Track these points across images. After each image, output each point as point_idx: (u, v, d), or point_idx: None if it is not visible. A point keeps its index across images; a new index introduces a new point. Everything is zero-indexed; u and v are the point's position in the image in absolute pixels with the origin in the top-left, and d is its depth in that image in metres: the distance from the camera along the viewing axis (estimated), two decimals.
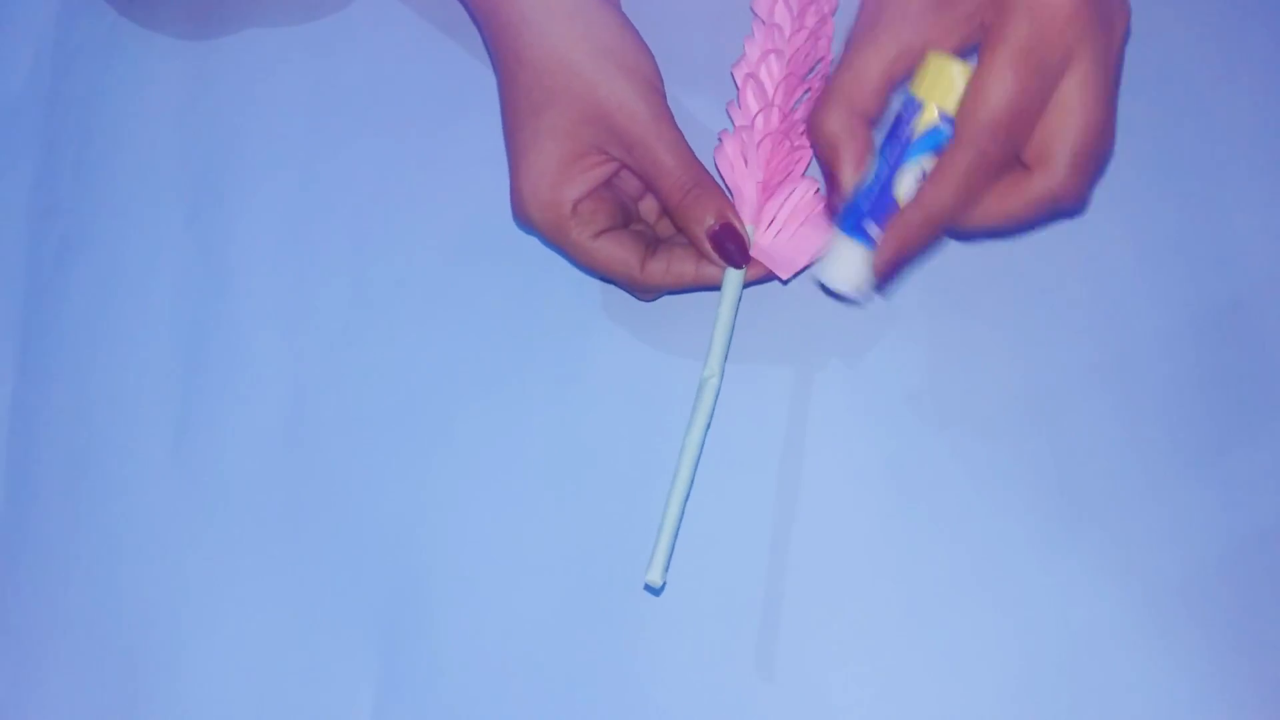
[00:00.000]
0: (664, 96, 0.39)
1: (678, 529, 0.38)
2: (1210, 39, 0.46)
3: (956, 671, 0.39)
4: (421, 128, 0.47)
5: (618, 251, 0.40)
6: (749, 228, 0.40)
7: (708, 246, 0.39)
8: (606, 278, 0.42)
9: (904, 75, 0.36)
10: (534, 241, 0.44)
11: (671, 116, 0.39)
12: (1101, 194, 0.44)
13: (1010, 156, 0.35)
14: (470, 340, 0.44)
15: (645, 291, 0.41)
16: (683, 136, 0.39)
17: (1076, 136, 0.35)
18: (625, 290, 0.42)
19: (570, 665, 0.40)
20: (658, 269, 0.40)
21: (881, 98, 0.36)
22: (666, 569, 0.37)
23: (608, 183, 0.40)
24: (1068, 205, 0.36)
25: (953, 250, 0.44)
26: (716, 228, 0.39)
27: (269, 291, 0.46)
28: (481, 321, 0.44)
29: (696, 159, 0.39)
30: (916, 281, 0.43)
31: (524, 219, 0.40)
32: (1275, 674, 0.39)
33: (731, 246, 0.39)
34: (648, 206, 0.42)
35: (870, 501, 0.41)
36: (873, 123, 0.37)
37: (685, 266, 0.40)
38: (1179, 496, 0.41)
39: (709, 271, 0.40)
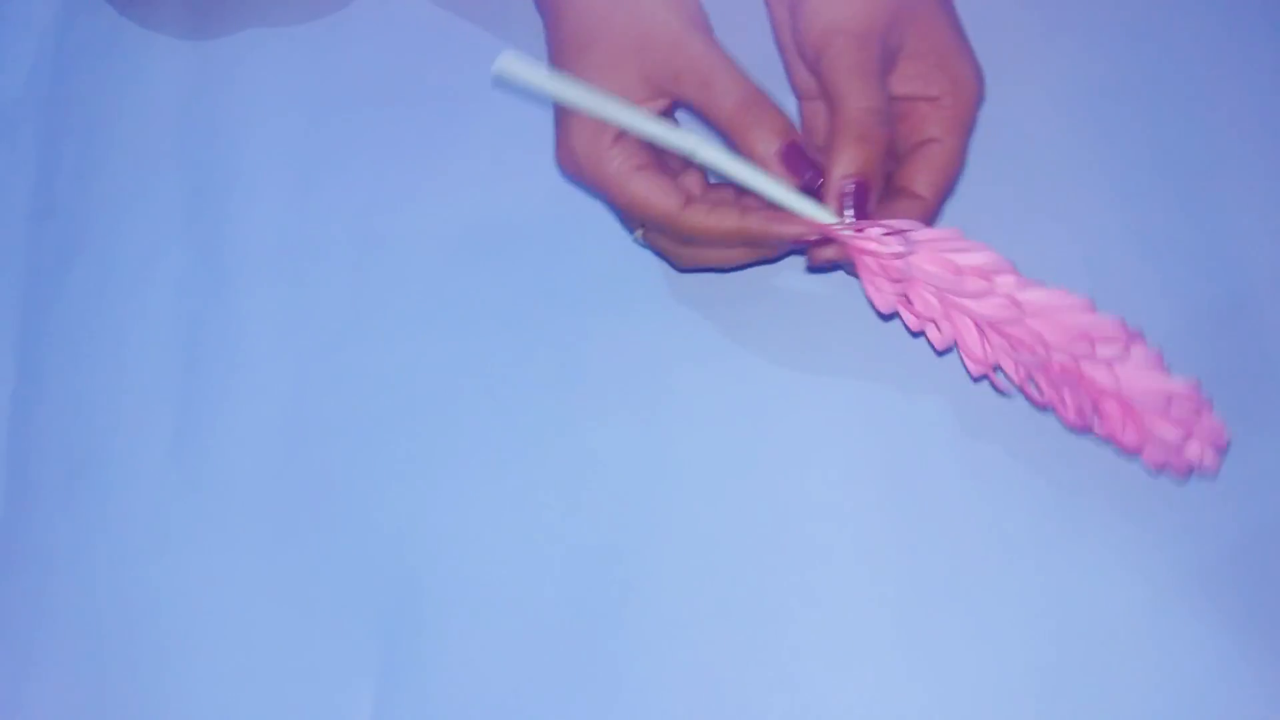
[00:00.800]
0: (711, 30, 0.39)
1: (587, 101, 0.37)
2: (1210, 39, 0.46)
3: (956, 672, 0.39)
4: (422, 127, 0.47)
5: (657, 186, 0.38)
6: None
7: (779, 166, 0.37)
8: (644, 221, 0.40)
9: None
10: (535, 242, 0.45)
11: (719, 45, 0.38)
12: (1102, 193, 0.44)
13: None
14: (470, 340, 0.44)
15: (682, 244, 0.40)
16: (733, 60, 0.38)
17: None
18: (660, 252, 0.41)
19: (570, 665, 0.40)
20: (699, 211, 0.38)
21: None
22: (522, 74, 0.37)
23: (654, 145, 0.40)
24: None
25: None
26: (783, 146, 0.37)
27: (269, 292, 0.46)
28: (482, 321, 0.44)
29: (752, 80, 0.38)
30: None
31: (567, 159, 0.39)
32: (1277, 674, 0.39)
33: (804, 164, 0.37)
34: (689, 180, 0.41)
35: (869, 501, 0.41)
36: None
37: (729, 214, 0.38)
38: (1179, 496, 0.41)
39: (753, 222, 0.38)
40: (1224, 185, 0.44)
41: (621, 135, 0.38)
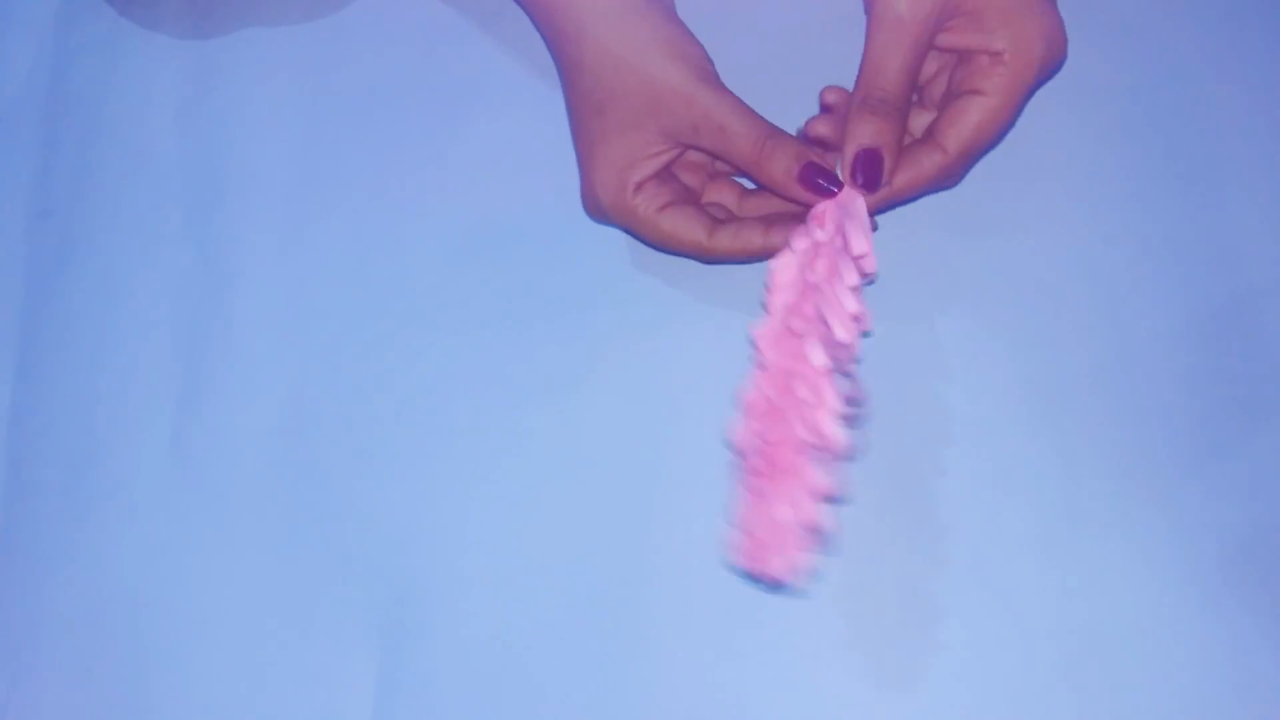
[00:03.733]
0: (717, 78, 0.40)
1: None
2: (1210, 39, 0.46)
3: (953, 672, 0.39)
4: (422, 128, 0.47)
5: (682, 222, 0.40)
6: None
7: (798, 189, 0.39)
8: (675, 250, 0.42)
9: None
10: (537, 241, 0.45)
11: (728, 91, 0.40)
12: (1101, 193, 0.44)
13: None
14: (471, 339, 0.44)
15: (713, 262, 0.42)
16: (743, 103, 0.39)
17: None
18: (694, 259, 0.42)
19: (572, 666, 0.40)
20: (725, 237, 0.40)
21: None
22: None
23: (670, 171, 0.41)
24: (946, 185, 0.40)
25: (951, 250, 0.44)
26: (799, 169, 0.38)
27: (269, 291, 0.46)
28: (483, 321, 0.44)
29: (763, 118, 0.39)
30: (915, 281, 0.44)
31: (594, 207, 0.41)
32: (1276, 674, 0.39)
33: (821, 181, 0.39)
34: (710, 197, 0.43)
35: (867, 501, 0.41)
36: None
37: (753, 235, 0.40)
38: (1179, 496, 0.41)
39: (776, 240, 0.40)
40: (1224, 185, 0.44)
41: (645, 181, 0.40)
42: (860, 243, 0.37)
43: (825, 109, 0.42)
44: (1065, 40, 0.39)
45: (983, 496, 0.41)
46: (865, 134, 0.38)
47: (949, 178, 0.40)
